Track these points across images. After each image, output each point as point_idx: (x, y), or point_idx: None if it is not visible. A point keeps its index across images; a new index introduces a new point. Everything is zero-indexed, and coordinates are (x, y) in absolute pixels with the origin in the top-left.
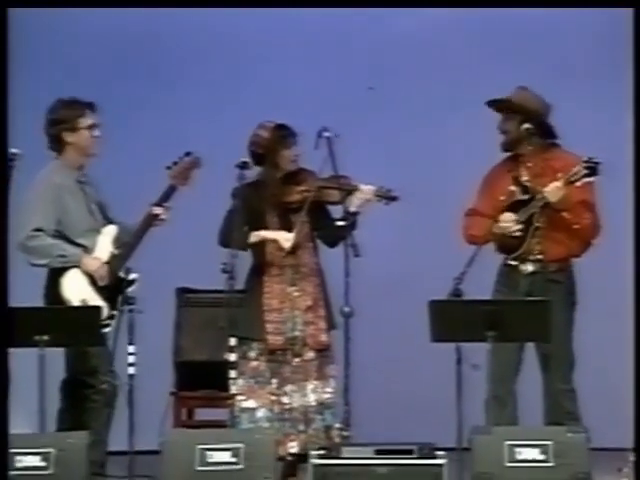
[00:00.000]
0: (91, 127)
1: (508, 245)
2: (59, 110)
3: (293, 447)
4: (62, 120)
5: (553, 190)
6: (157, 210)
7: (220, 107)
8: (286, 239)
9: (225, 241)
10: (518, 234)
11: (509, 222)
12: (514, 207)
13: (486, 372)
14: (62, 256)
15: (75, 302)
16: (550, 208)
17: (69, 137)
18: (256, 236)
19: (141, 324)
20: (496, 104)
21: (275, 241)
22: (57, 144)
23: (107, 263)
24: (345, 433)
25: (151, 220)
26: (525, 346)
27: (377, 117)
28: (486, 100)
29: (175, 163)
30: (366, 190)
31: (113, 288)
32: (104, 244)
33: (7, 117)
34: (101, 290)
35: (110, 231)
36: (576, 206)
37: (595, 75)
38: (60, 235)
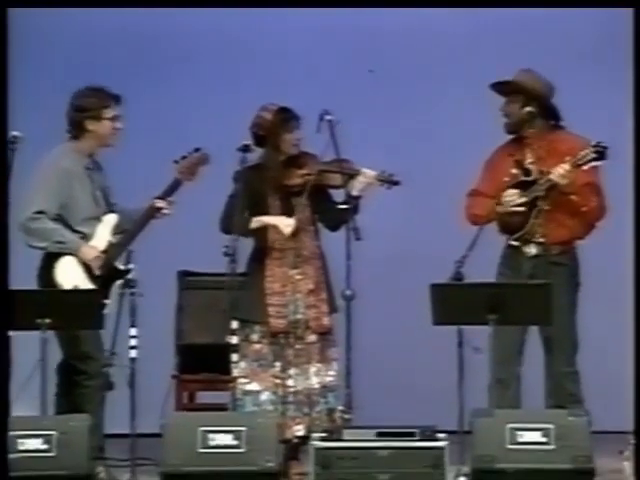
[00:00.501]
0: (114, 119)
1: (511, 225)
2: (86, 97)
3: (300, 430)
4: (87, 108)
5: (560, 174)
6: (160, 204)
7: (222, 95)
8: (286, 225)
9: (227, 227)
10: (521, 209)
11: (512, 196)
12: (518, 188)
13: (488, 355)
14: (61, 242)
15: (67, 288)
16: (555, 190)
17: (91, 125)
18: (257, 221)
19: (143, 307)
20: (500, 86)
21: (276, 226)
22: (77, 130)
23: (103, 252)
24: (347, 416)
25: (153, 213)
26: (528, 329)
27: (378, 100)
28: (489, 83)
29: (183, 157)
30: (368, 174)
31: (107, 277)
32: (103, 233)
33: (7, 112)
34: (95, 278)
35: (110, 220)
36: (583, 189)
37: (597, 60)
38: (61, 220)
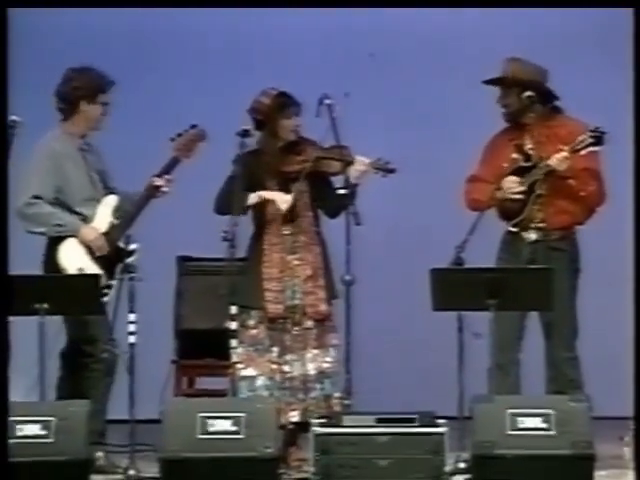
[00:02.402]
0: (106, 104)
1: (509, 211)
2: (85, 77)
3: (294, 416)
4: (85, 88)
5: (558, 160)
6: (158, 182)
7: (222, 77)
8: (284, 200)
9: (222, 207)
10: (519, 197)
11: (512, 184)
12: (517, 173)
13: (488, 341)
14: (59, 225)
15: (71, 271)
16: (553, 175)
17: (85, 106)
18: (255, 197)
19: (142, 292)
20: (492, 83)
21: (273, 201)
22: (69, 108)
23: (106, 234)
24: (346, 402)
25: (152, 191)
26: (528, 314)
27: (378, 83)
28: (481, 80)
29: (179, 135)
30: (363, 162)
31: (111, 258)
32: (103, 214)
33: (7, 112)
34: (98, 260)
35: (110, 201)
36: (581, 173)
37: (597, 44)
38: (59, 203)
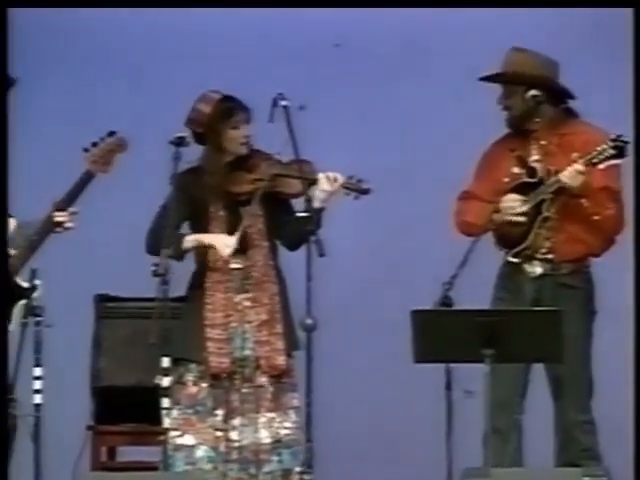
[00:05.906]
0: None
1: (509, 237)
2: None
3: None
4: None
5: (572, 174)
6: (59, 217)
7: (157, 79)
8: (226, 245)
9: (152, 247)
10: (522, 219)
11: (513, 202)
12: (519, 191)
13: (483, 400)
14: None
15: None
16: (565, 195)
17: None
18: (191, 241)
19: (50, 341)
20: (491, 80)
21: (212, 247)
22: None
23: None
24: (307, 477)
25: (52, 227)
26: (532, 367)
27: (346, 81)
28: (478, 77)
29: (94, 144)
30: (331, 180)
31: (7, 296)
32: None
33: (7, 117)
34: None
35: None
36: (597, 193)
37: (596, 44)
38: None
